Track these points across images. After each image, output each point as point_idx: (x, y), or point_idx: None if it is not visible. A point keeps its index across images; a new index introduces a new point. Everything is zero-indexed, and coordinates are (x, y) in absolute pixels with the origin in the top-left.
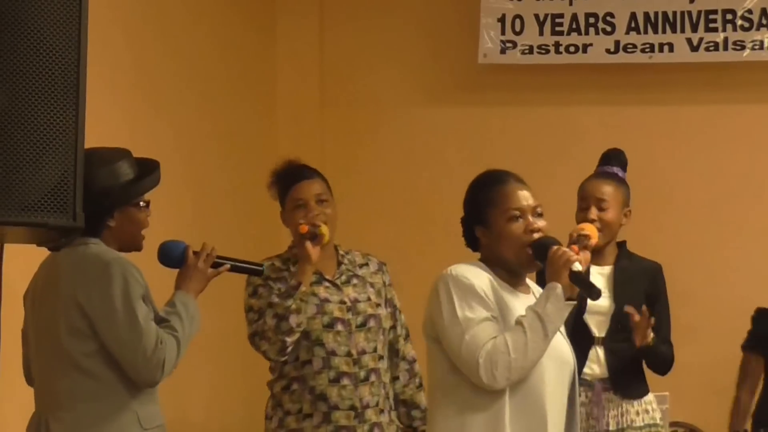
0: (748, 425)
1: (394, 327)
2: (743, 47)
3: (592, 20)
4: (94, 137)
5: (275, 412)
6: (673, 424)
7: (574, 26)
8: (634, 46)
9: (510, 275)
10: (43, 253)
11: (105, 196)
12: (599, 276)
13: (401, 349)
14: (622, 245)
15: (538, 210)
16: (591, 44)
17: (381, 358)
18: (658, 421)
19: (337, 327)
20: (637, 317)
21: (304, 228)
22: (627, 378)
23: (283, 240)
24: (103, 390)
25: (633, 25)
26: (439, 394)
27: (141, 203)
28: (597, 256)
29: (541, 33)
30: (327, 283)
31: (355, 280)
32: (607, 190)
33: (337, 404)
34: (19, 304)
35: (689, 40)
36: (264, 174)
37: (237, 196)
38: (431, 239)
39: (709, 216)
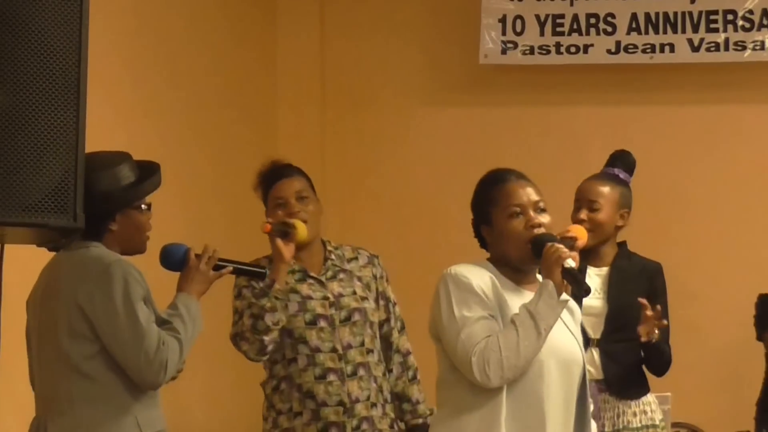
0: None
1: (387, 320)
2: (744, 48)
3: (593, 21)
4: (94, 139)
5: (269, 413)
6: (675, 424)
7: (575, 27)
8: (635, 47)
9: (516, 273)
10: (44, 253)
11: (106, 200)
12: (596, 277)
13: (395, 342)
14: (622, 245)
15: (540, 205)
16: (592, 45)
17: (370, 351)
18: (657, 422)
19: (320, 324)
20: (650, 311)
21: (267, 227)
22: (623, 379)
23: None
24: (103, 393)
25: (634, 25)
26: (441, 392)
27: (142, 206)
28: (594, 257)
29: (542, 33)
30: (311, 280)
31: (341, 275)
32: (600, 190)
33: (325, 401)
34: (19, 304)
35: (690, 41)
36: None
37: (237, 198)
38: (432, 239)
39: (711, 216)
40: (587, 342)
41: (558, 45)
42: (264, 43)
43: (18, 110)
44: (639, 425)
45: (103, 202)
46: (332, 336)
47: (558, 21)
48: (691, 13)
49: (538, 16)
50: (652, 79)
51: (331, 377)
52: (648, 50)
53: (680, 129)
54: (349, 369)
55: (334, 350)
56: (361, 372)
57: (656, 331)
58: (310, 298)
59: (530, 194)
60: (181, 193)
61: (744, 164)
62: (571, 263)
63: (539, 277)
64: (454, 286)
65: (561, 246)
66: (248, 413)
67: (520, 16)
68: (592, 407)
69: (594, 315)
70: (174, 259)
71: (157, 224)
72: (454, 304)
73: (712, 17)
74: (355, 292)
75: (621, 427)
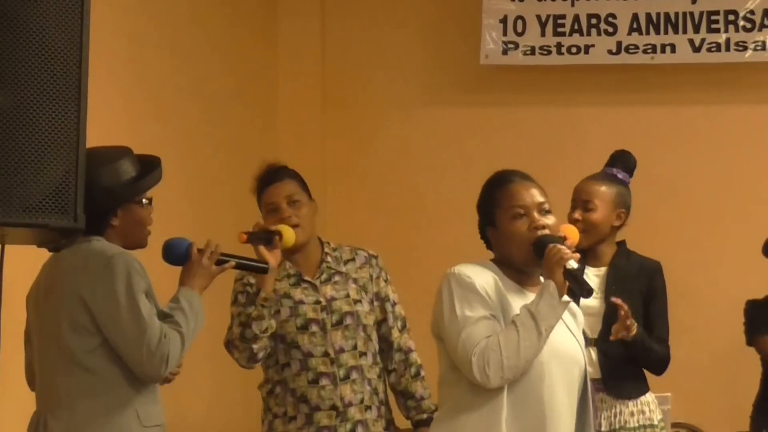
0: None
1: (385, 320)
2: (745, 48)
3: (593, 21)
4: (95, 139)
5: (266, 416)
6: (675, 425)
7: (575, 27)
8: (636, 47)
9: (520, 274)
10: (44, 254)
11: (108, 195)
12: (594, 277)
13: (395, 341)
14: (621, 245)
15: (545, 207)
16: (593, 45)
17: (363, 354)
18: (655, 422)
19: (311, 328)
20: (623, 311)
21: (243, 237)
22: (620, 378)
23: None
24: (104, 387)
25: (635, 25)
26: (442, 391)
27: (144, 200)
28: (592, 257)
29: (542, 34)
30: (305, 284)
31: (336, 278)
32: (595, 190)
33: (318, 405)
34: (19, 304)
35: (691, 41)
36: None
37: (237, 197)
38: (432, 239)
39: (711, 216)
40: (585, 341)
41: (559, 45)
42: (265, 43)
43: (18, 110)
44: (636, 425)
45: (104, 197)
46: (324, 340)
47: (559, 21)
48: (692, 14)
49: (539, 17)
50: (653, 80)
51: (324, 381)
52: (649, 50)
53: (681, 129)
54: (341, 373)
55: (326, 354)
56: (354, 375)
57: (634, 330)
58: (302, 302)
59: (534, 196)
60: (185, 187)
61: (744, 164)
62: (573, 264)
63: (543, 279)
64: (456, 286)
65: (563, 247)
66: (248, 413)
67: (521, 17)
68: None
69: (592, 314)
70: (177, 253)
71: (162, 218)
72: (456, 304)
73: (713, 17)
74: (348, 295)
75: (618, 426)
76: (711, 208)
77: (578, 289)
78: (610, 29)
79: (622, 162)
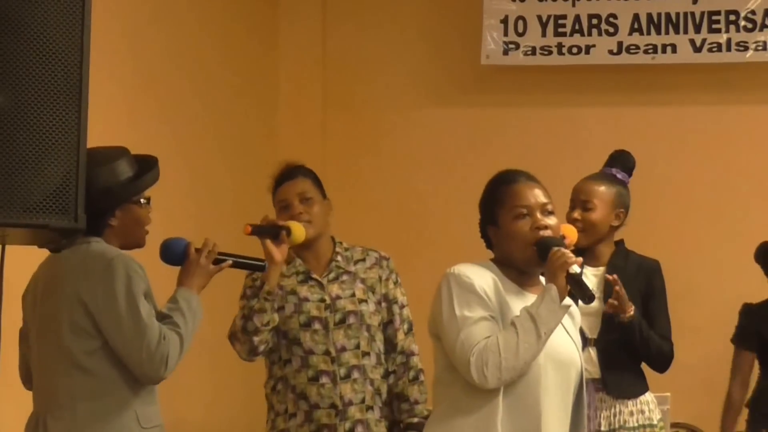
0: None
1: (391, 321)
2: (746, 48)
3: (594, 21)
4: (96, 139)
5: (269, 414)
6: (674, 425)
7: (576, 27)
8: (637, 47)
9: (520, 274)
10: (44, 254)
11: (106, 196)
12: (593, 277)
13: (399, 344)
14: (619, 244)
15: (548, 208)
16: (594, 45)
17: (366, 354)
18: (654, 422)
19: (314, 326)
20: (617, 287)
21: (247, 229)
22: (620, 378)
23: None
24: (103, 389)
25: (636, 26)
26: (437, 391)
27: (142, 200)
28: (591, 256)
29: (543, 34)
30: (312, 282)
31: (344, 277)
32: (594, 190)
33: (317, 403)
34: (19, 304)
35: (692, 41)
36: (265, 176)
37: (238, 198)
38: (432, 239)
39: (712, 216)
40: (584, 341)
41: (560, 45)
42: (266, 44)
43: (19, 110)
44: (636, 424)
45: (102, 198)
46: (326, 338)
47: (560, 22)
48: (693, 14)
49: (540, 17)
50: (654, 80)
51: (324, 379)
52: (650, 51)
53: (682, 129)
54: (342, 371)
55: (327, 353)
56: (356, 375)
57: (631, 311)
58: (307, 300)
59: (538, 196)
60: (186, 186)
61: (745, 164)
62: (576, 269)
63: (542, 279)
64: (456, 286)
65: (567, 251)
66: (248, 413)
67: (521, 17)
68: (588, 410)
69: (591, 314)
70: (174, 253)
71: (163, 217)
72: (456, 304)
73: (714, 18)
74: (353, 295)
75: (617, 426)
76: (711, 208)
77: (580, 294)
78: (611, 29)
79: (621, 162)
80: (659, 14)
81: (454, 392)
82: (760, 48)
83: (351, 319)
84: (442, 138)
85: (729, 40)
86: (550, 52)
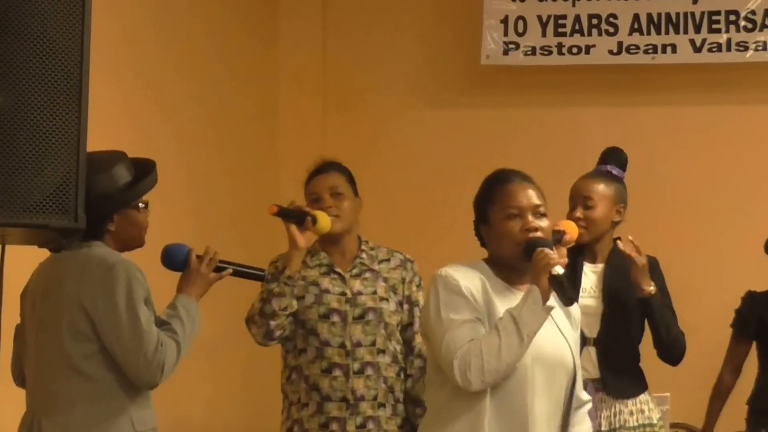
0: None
1: (411, 324)
2: (746, 48)
3: (594, 21)
4: (96, 139)
5: (284, 404)
6: (673, 425)
7: (576, 27)
8: (637, 47)
9: (511, 273)
10: (44, 254)
11: (104, 202)
12: (591, 274)
13: (417, 347)
14: (617, 242)
15: (540, 210)
16: (594, 45)
17: (381, 352)
18: (654, 421)
19: (332, 318)
20: (628, 250)
21: (273, 209)
22: (619, 378)
23: (281, 243)
24: (100, 392)
25: (636, 26)
26: (429, 392)
27: (140, 205)
28: (590, 253)
29: (543, 34)
30: (334, 275)
31: (367, 274)
32: (594, 187)
33: (328, 395)
34: (19, 304)
35: (692, 41)
36: (265, 177)
37: (238, 199)
38: (432, 239)
39: (712, 216)
40: (584, 341)
41: (560, 46)
42: (266, 45)
43: (19, 110)
44: (635, 424)
45: (100, 204)
46: (343, 331)
47: (560, 22)
48: (693, 14)
49: (540, 17)
50: (654, 80)
51: (337, 372)
52: (650, 51)
53: (682, 129)
54: (356, 366)
55: (342, 346)
56: (369, 371)
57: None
58: (328, 291)
59: (531, 197)
60: (185, 186)
61: (745, 164)
62: (559, 270)
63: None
64: (442, 288)
65: (551, 252)
66: (248, 413)
67: (521, 17)
68: (590, 406)
69: (590, 314)
70: (176, 260)
71: (162, 218)
72: (441, 306)
73: (714, 18)
74: (375, 292)
75: (617, 426)
76: (711, 208)
77: (561, 296)
78: (611, 29)
79: (615, 158)
80: (659, 14)
81: (443, 393)
82: (760, 48)
83: (370, 316)
84: (441, 138)
85: (729, 40)
86: (550, 52)
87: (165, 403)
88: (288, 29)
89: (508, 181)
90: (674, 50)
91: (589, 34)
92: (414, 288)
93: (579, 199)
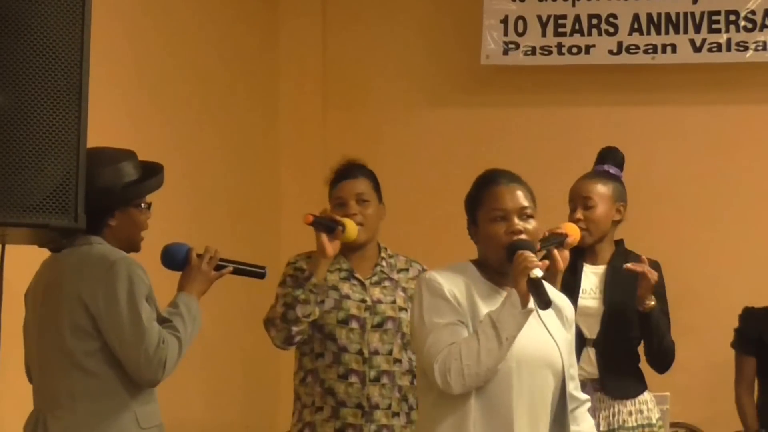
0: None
1: None
2: (746, 48)
3: (594, 21)
4: (96, 138)
5: (296, 405)
6: (673, 424)
7: (576, 27)
8: (637, 47)
9: (497, 274)
10: (44, 253)
11: (107, 195)
12: (593, 275)
13: None
14: (619, 244)
15: (527, 212)
16: (594, 45)
17: (397, 361)
18: (653, 421)
19: (351, 324)
20: (641, 267)
21: (309, 218)
22: (619, 378)
23: (282, 243)
24: (103, 389)
25: (636, 26)
26: (418, 396)
27: (142, 205)
28: (591, 255)
29: (543, 34)
30: (354, 281)
31: (386, 283)
32: (593, 188)
33: (344, 401)
34: (20, 305)
35: (692, 41)
36: (266, 176)
37: (238, 198)
38: (432, 239)
39: (711, 217)
40: (583, 342)
41: (560, 45)
42: (266, 44)
43: (19, 110)
44: (635, 424)
45: (104, 197)
46: (361, 338)
47: (560, 22)
48: (693, 14)
49: (539, 17)
50: (654, 80)
51: (353, 378)
52: (650, 51)
53: (682, 129)
54: (372, 374)
55: (360, 353)
56: (385, 380)
57: (652, 301)
58: (348, 297)
59: (517, 200)
60: (185, 186)
61: (745, 165)
62: (537, 273)
63: None
64: (426, 291)
65: (530, 255)
66: (248, 413)
67: (521, 17)
68: (588, 405)
69: (590, 315)
70: (176, 259)
71: (162, 217)
72: (425, 310)
73: (714, 18)
74: (394, 301)
75: (616, 426)
76: (711, 208)
77: (537, 300)
78: (611, 29)
79: (612, 158)
80: (659, 14)
81: (431, 398)
82: (760, 48)
83: (389, 325)
84: (442, 138)
85: (729, 40)
86: (550, 52)
87: (164, 402)
88: (288, 28)
89: (494, 183)
90: (674, 50)
91: (589, 34)
92: None
93: (578, 200)
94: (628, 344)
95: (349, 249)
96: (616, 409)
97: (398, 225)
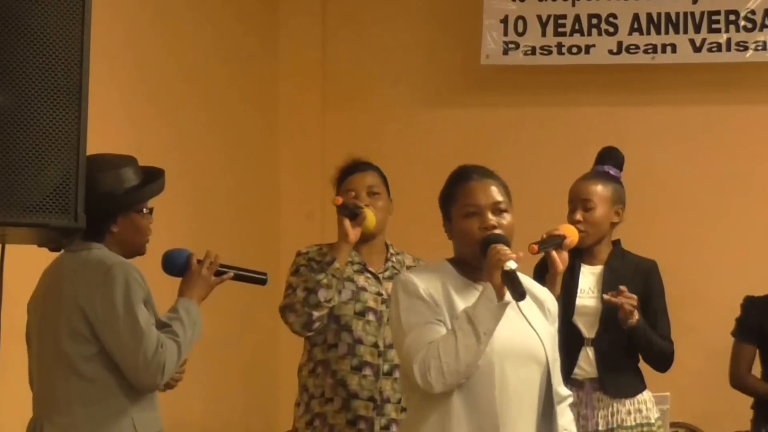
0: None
1: None
2: (746, 48)
3: (594, 21)
4: (96, 139)
5: (302, 397)
6: (673, 424)
7: (576, 27)
8: (637, 47)
9: (473, 270)
10: (45, 254)
11: (108, 201)
12: (590, 275)
13: None
14: (616, 244)
15: (501, 207)
16: (593, 45)
17: None
18: (652, 420)
19: (368, 316)
20: (618, 299)
21: (338, 200)
22: (617, 377)
23: (282, 242)
24: (101, 394)
25: (636, 26)
26: (404, 395)
27: (144, 210)
28: (588, 255)
29: (543, 34)
30: (368, 274)
31: None
32: (592, 189)
33: (356, 393)
34: (19, 305)
35: (692, 41)
36: (266, 177)
37: (238, 199)
38: (431, 239)
39: (711, 216)
40: (582, 341)
41: (560, 45)
42: (266, 44)
43: (19, 110)
44: (633, 423)
45: (105, 202)
46: (377, 331)
47: (560, 21)
48: (693, 14)
49: (539, 17)
50: (653, 80)
51: (367, 371)
52: (650, 50)
53: (682, 129)
54: (386, 367)
55: (375, 345)
56: (397, 374)
57: (636, 317)
58: (365, 289)
59: (490, 195)
60: (185, 186)
61: (745, 164)
62: (512, 265)
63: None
64: (402, 292)
65: (504, 248)
66: (248, 414)
67: (521, 17)
68: (570, 400)
69: (589, 314)
70: (176, 264)
71: (163, 219)
72: (402, 310)
73: (714, 17)
74: None
75: (615, 425)
76: (711, 208)
77: (512, 292)
78: (611, 29)
79: (612, 159)
80: (659, 14)
81: (414, 396)
82: (760, 48)
83: None
84: (441, 138)
85: (729, 40)
86: (550, 52)
87: (164, 403)
88: (288, 29)
89: (467, 179)
90: (674, 50)
91: (589, 34)
92: None
93: (578, 201)
94: (626, 343)
95: (359, 241)
96: (615, 409)
97: (398, 225)
